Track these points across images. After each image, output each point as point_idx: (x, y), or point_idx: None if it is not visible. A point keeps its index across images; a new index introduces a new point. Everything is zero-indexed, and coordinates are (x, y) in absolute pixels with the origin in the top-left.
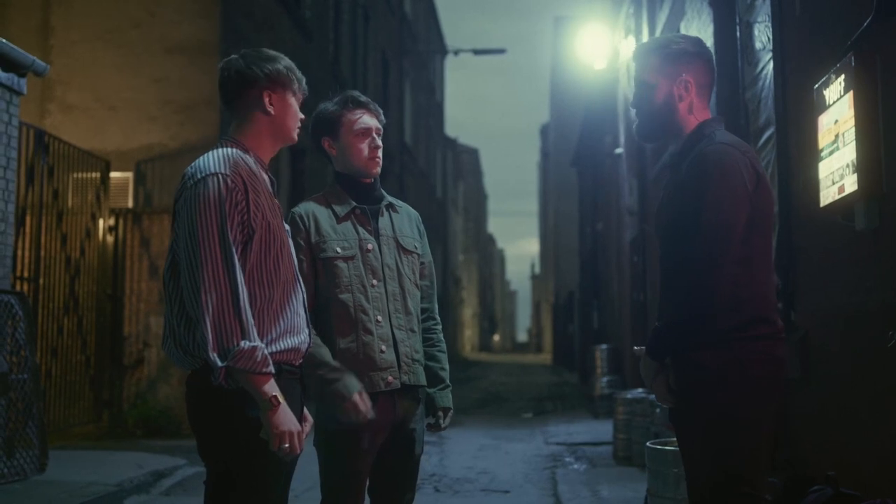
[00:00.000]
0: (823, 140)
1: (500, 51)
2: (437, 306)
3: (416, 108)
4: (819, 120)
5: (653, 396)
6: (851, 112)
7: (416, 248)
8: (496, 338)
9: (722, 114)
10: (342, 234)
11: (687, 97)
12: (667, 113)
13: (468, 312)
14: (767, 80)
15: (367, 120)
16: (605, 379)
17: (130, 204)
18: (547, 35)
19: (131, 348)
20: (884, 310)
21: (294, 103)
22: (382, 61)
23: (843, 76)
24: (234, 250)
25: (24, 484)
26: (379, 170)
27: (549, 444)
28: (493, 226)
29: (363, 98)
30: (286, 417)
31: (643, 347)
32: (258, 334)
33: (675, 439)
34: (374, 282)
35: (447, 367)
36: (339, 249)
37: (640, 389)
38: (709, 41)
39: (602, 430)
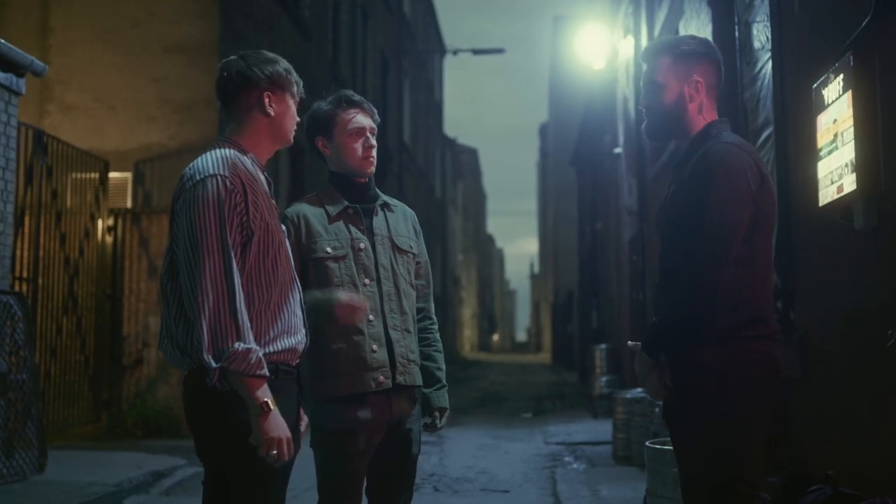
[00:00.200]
0: (822, 139)
1: (499, 50)
2: (433, 306)
3: (415, 107)
4: (818, 119)
5: (656, 401)
6: (850, 111)
7: (411, 247)
8: (495, 337)
9: (720, 113)
10: (333, 233)
11: (697, 98)
12: (677, 113)
13: (467, 312)
14: (766, 80)
15: (361, 119)
16: (604, 378)
17: (129, 204)
18: (546, 35)
19: (130, 348)
20: (883, 309)
21: (292, 105)
22: (381, 61)
23: (841, 75)
24: (231, 252)
25: (24, 484)
26: (373, 169)
27: (549, 443)
28: (493, 225)
29: (357, 97)
30: (276, 424)
31: (638, 343)
32: (256, 334)
33: None
34: (367, 281)
35: (443, 366)
36: (329, 249)
37: (639, 389)
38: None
39: (601, 429)
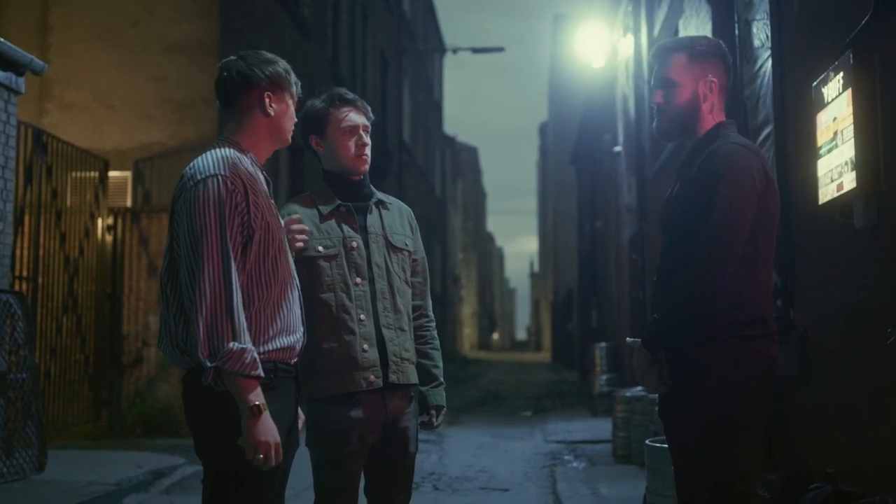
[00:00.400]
0: (822, 137)
1: (499, 49)
2: (430, 303)
3: (415, 106)
4: (817, 117)
5: (652, 395)
6: (850, 109)
7: (406, 245)
8: (495, 336)
9: None
10: (325, 232)
11: (710, 97)
12: (691, 112)
13: (467, 311)
14: (766, 78)
15: (354, 117)
16: (604, 377)
17: (129, 203)
18: (546, 33)
19: (130, 347)
20: (883, 308)
21: (291, 105)
22: (381, 60)
23: (841, 74)
24: (231, 252)
25: (23, 483)
26: (367, 167)
27: (549, 442)
28: (492, 224)
29: (350, 95)
30: (266, 427)
31: (636, 339)
32: (255, 332)
33: None
34: (358, 280)
35: (441, 364)
36: (320, 248)
37: (639, 387)
38: None
39: (601, 428)
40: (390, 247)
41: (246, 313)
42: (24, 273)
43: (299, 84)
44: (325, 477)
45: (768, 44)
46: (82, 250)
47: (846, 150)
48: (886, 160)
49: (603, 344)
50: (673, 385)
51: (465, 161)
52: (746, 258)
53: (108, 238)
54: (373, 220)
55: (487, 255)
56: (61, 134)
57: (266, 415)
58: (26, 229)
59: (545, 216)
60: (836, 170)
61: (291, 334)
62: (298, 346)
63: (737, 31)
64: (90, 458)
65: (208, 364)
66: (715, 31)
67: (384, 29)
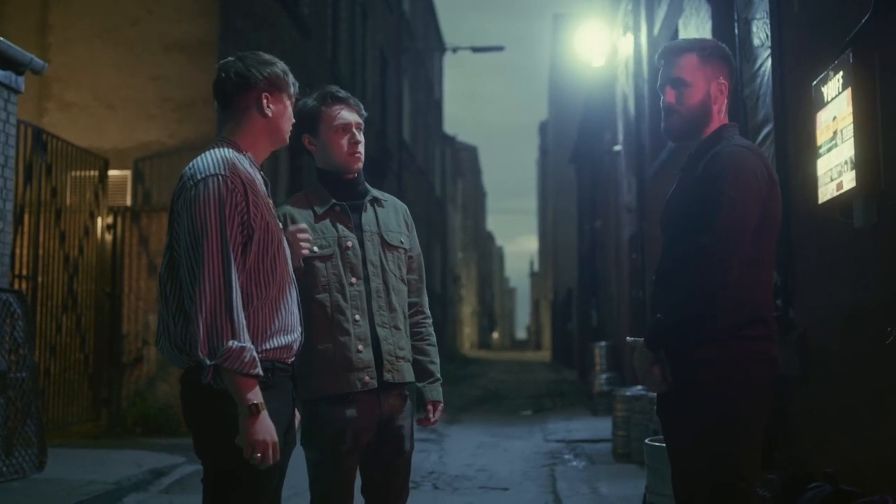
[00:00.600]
0: (822, 137)
1: (499, 48)
2: (426, 300)
3: (415, 105)
4: (817, 117)
5: (652, 393)
6: (849, 109)
7: (402, 242)
8: (495, 335)
9: None
10: (320, 232)
11: (720, 99)
12: (703, 113)
13: (467, 310)
14: (765, 77)
15: (347, 115)
16: (603, 376)
17: (129, 202)
18: (546, 32)
19: (130, 346)
20: (882, 307)
21: (289, 106)
22: (381, 59)
23: (841, 73)
24: (231, 252)
25: (23, 482)
26: (360, 165)
27: (548, 441)
28: (492, 223)
29: (342, 93)
30: (264, 426)
31: (637, 339)
32: (254, 332)
33: None
34: (353, 280)
35: (437, 360)
36: (315, 249)
37: (638, 386)
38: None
39: (601, 427)
40: (385, 245)
41: (244, 312)
42: (24, 272)
43: (297, 85)
44: (320, 476)
45: (768, 43)
46: (82, 249)
47: (846, 150)
48: (886, 159)
49: (603, 343)
50: (673, 384)
51: (464, 160)
52: (749, 259)
53: (108, 237)
54: (368, 218)
55: (487, 254)
56: (61, 133)
57: (264, 414)
58: (26, 228)
59: (545, 215)
60: (835, 169)
61: (289, 334)
62: (296, 346)
63: (736, 31)
64: (90, 457)
65: (208, 362)
66: (715, 30)
67: (384, 28)
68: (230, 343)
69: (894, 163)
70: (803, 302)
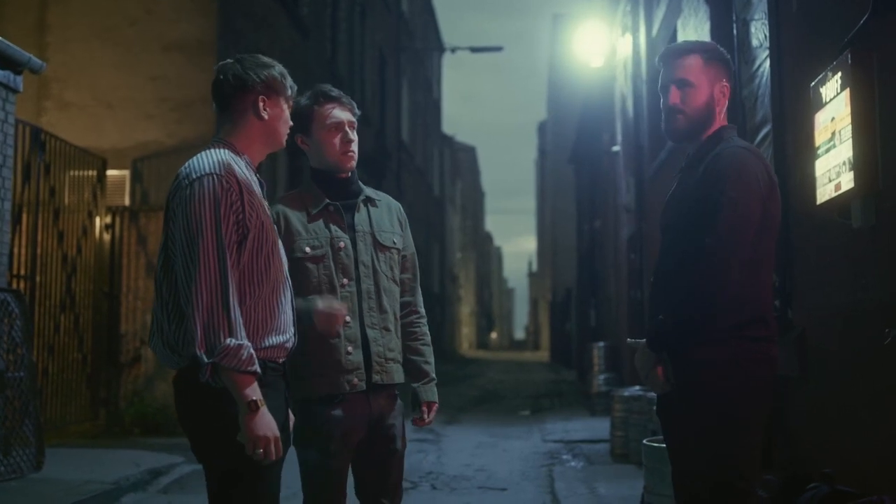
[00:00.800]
0: (820, 137)
1: (498, 48)
2: (421, 299)
3: (414, 105)
4: (816, 117)
5: (651, 394)
6: (848, 109)
7: (394, 243)
8: (493, 335)
9: None
10: (313, 232)
11: (722, 101)
12: (707, 115)
13: (465, 310)
14: (764, 78)
15: (339, 114)
16: (602, 376)
17: (127, 202)
18: (545, 33)
19: (128, 346)
20: (881, 308)
21: (286, 109)
22: (379, 59)
23: (839, 73)
24: (227, 250)
25: (21, 482)
26: (353, 164)
27: (547, 441)
28: (491, 224)
29: (334, 92)
30: (264, 422)
31: (639, 340)
32: (247, 331)
33: None
34: (345, 281)
35: (432, 360)
36: (307, 249)
37: (637, 387)
38: (705, 39)
39: (599, 427)
40: (378, 245)
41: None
42: (22, 271)
43: (295, 88)
44: (312, 476)
45: (766, 44)
46: (80, 249)
47: (844, 150)
48: (884, 160)
49: (601, 343)
50: (675, 382)
51: (463, 160)
52: (750, 260)
53: (106, 237)
54: (360, 218)
55: (486, 254)
56: (59, 132)
57: (264, 409)
58: (24, 228)
59: (544, 216)
60: (834, 170)
61: (281, 334)
62: (289, 346)
63: (735, 31)
64: (88, 457)
65: (205, 360)
66: (713, 30)
67: (383, 28)
68: (227, 340)
69: (892, 163)
70: (802, 302)
